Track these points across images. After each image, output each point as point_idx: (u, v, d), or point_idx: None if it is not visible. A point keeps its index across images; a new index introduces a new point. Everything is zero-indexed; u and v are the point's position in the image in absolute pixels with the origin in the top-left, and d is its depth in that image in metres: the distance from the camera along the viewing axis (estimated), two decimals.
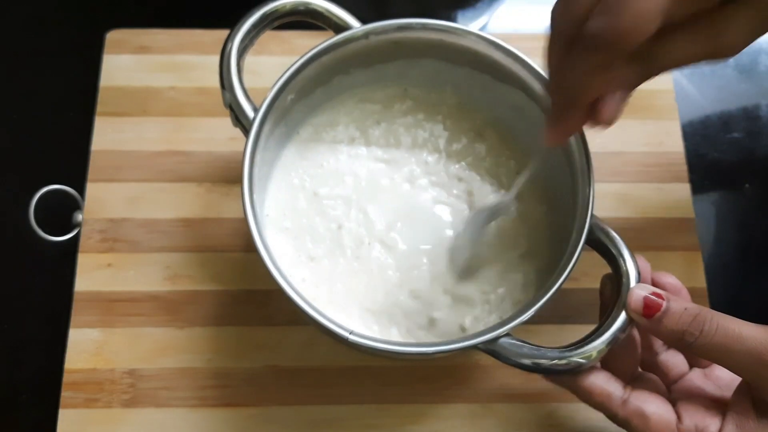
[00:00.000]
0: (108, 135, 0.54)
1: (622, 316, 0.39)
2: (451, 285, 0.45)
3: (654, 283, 0.41)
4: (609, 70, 0.33)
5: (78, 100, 0.55)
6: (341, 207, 0.47)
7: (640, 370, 0.42)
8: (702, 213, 0.54)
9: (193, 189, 0.53)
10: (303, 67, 0.44)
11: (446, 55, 0.47)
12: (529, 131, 0.47)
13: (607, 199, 0.53)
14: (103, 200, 0.52)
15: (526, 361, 0.39)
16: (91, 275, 0.50)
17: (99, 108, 0.54)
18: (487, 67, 0.46)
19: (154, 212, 0.52)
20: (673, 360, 0.41)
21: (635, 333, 0.41)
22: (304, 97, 0.47)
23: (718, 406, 0.38)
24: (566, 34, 0.33)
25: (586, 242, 0.40)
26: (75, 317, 0.49)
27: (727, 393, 0.39)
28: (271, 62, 0.51)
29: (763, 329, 0.35)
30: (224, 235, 0.52)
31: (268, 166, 0.46)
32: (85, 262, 0.50)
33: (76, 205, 0.52)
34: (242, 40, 0.44)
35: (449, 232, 0.46)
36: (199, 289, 0.50)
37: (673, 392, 0.41)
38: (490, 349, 0.39)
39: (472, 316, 0.44)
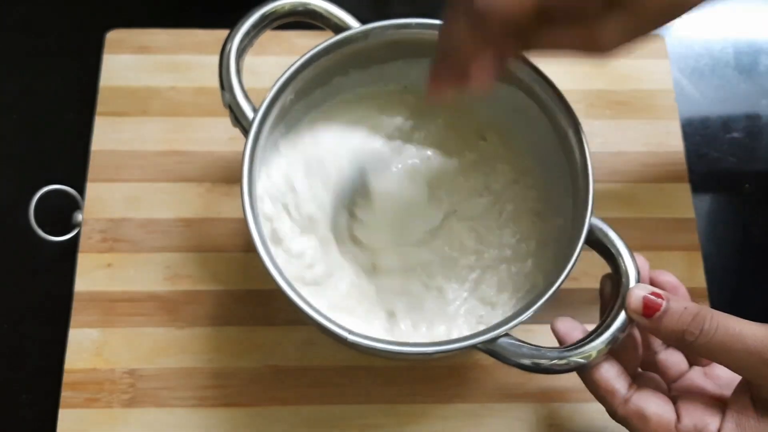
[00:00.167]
0: (108, 135, 0.54)
1: (622, 315, 0.39)
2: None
3: (652, 282, 0.41)
4: (486, 37, 0.37)
5: (78, 100, 0.55)
6: (340, 205, 0.47)
7: (639, 370, 0.42)
8: (702, 213, 0.54)
9: (193, 189, 0.53)
10: (302, 68, 0.44)
11: None
12: (529, 132, 0.47)
13: (607, 199, 0.53)
14: (103, 200, 0.52)
15: (526, 361, 0.39)
16: (91, 275, 0.50)
17: (99, 108, 0.55)
18: None
19: (154, 212, 0.52)
20: (672, 359, 0.42)
21: (636, 332, 0.41)
22: (304, 97, 0.47)
23: (717, 404, 0.38)
24: (459, 2, 0.37)
25: (586, 242, 0.40)
26: (75, 317, 0.49)
27: (727, 391, 0.39)
28: (271, 62, 0.51)
29: (763, 328, 0.35)
30: (224, 235, 0.52)
31: (267, 166, 0.46)
32: (85, 262, 0.50)
33: (76, 205, 0.52)
34: (241, 41, 0.45)
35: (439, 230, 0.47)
36: (199, 289, 0.50)
37: (673, 391, 0.41)
38: (490, 349, 0.39)
39: (477, 315, 0.45)
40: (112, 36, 0.57)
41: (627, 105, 0.56)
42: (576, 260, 0.40)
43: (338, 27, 0.45)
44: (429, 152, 0.48)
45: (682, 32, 0.60)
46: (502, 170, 0.48)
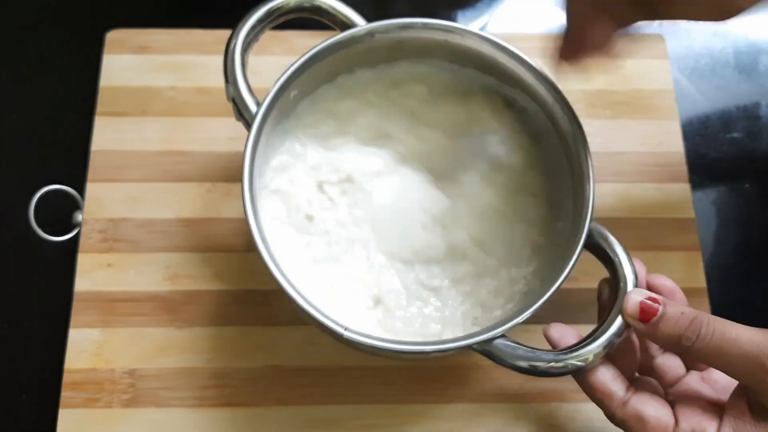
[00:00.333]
0: (108, 135, 0.54)
1: (619, 320, 0.39)
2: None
3: (649, 286, 0.41)
4: (608, 5, 0.37)
5: (78, 100, 0.55)
6: (343, 203, 0.47)
7: (636, 375, 0.42)
8: (702, 213, 0.54)
9: (193, 189, 0.53)
10: (308, 64, 0.44)
11: (450, 56, 0.47)
12: (532, 134, 0.47)
13: (607, 199, 0.53)
14: (103, 200, 0.52)
15: (522, 364, 0.39)
16: (91, 275, 0.50)
17: (99, 108, 0.54)
18: (491, 68, 0.46)
19: (154, 212, 0.52)
20: (669, 363, 0.41)
21: (633, 337, 0.41)
22: (308, 93, 0.47)
23: (715, 408, 0.38)
24: None
25: (584, 246, 0.40)
26: (75, 317, 0.49)
27: (724, 396, 0.39)
28: (272, 62, 0.51)
29: (760, 333, 0.35)
30: (224, 235, 0.52)
31: (268, 163, 0.46)
32: (85, 262, 0.50)
33: (76, 205, 0.52)
34: (247, 35, 0.45)
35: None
36: (199, 289, 0.50)
37: (670, 395, 0.41)
38: (486, 350, 0.39)
39: (472, 317, 0.45)
40: (112, 36, 0.57)
41: (627, 105, 0.56)
42: (574, 264, 0.40)
43: (344, 24, 0.45)
44: (428, 151, 0.48)
45: (682, 32, 0.60)
46: (503, 171, 0.48)
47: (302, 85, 0.45)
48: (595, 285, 0.42)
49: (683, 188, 0.54)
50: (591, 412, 0.47)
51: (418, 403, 0.48)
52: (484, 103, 0.48)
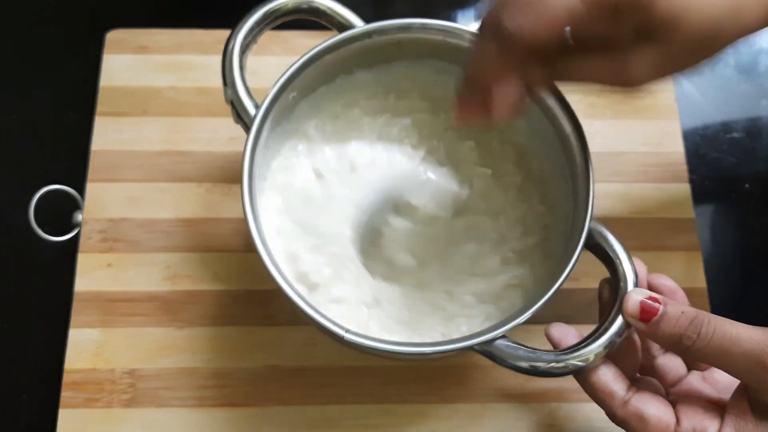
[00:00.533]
0: (108, 135, 0.54)
1: (619, 320, 0.39)
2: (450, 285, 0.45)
3: (650, 286, 0.41)
4: (512, 61, 0.36)
5: (78, 100, 0.55)
6: (343, 205, 0.47)
7: (637, 375, 0.42)
8: (702, 213, 0.54)
9: (193, 189, 0.53)
10: (306, 65, 0.44)
11: (449, 57, 0.47)
12: (531, 134, 0.47)
13: (607, 199, 0.53)
14: (103, 200, 0.52)
15: (523, 364, 0.39)
16: (91, 275, 0.50)
17: (99, 108, 0.55)
18: None
19: (154, 212, 0.52)
20: (671, 363, 0.41)
21: (634, 337, 0.41)
22: (307, 95, 0.47)
23: (716, 408, 0.38)
24: (489, 25, 0.37)
25: (584, 246, 0.40)
26: (75, 317, 0.49)
27: (726, 396, 0.39)
28: (272, 62, 0.51)
29: (761, 331, 0.35)
30: (224, 235, 0.52)
31: (267, 165, 0.46)
32: (85, 262, 0.50)
33: (76, 205, 0.52)
34: (245, 37, 0.45)
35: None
36: (199, 289, 0.50)
37: (671, 395, 0.41)
38: (486, 350, 0.39)
39: (465, 317, 0.45)
40: (112, 36, 0.57)
41: (627, 105, 0.56)
42: (574, 264, 0.40)
43: (342, 26, 0.45)
44: (428, 151, 0.48)
45: None
46: (505, 172, 0.48)
47: (301, 86, 0.45)
48: (595, 285, 0.42)
49: (683, 188, 0.54)
50: (591, 412, 0.47)
51: (418, 403, 0.48)
52: None
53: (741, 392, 0.37)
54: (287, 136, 0.47)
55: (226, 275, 0.50)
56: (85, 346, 0.48)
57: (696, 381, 0.41)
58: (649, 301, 0.37)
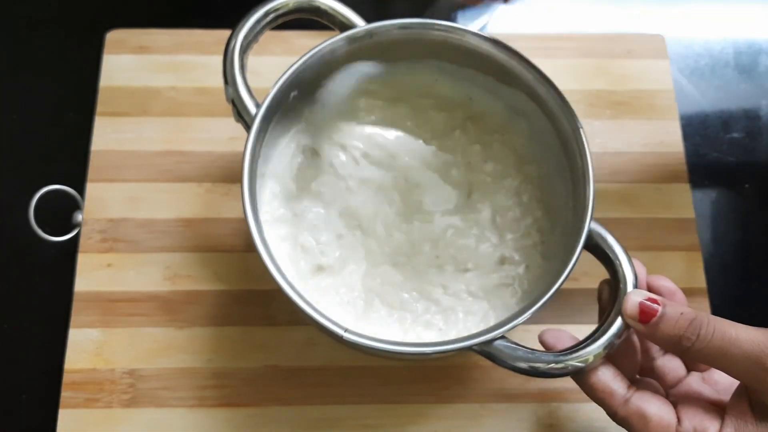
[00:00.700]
0: (108, 135, 0.54)
1: (619, 321, 0.39)
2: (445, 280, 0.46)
3: (649, 287, 0.41)
4: None
5: (78, 100, 0.55)
6: (342, 204, 0.47)
7: (637, 376, 0.42)
8: (702, 213, 0.54)
9: (193, 189, 0.53)
10: (306, 64, 0.44)
11: (450, 56, 0.47)
12: (531, 134, 0.47)
13: (607, 199, 0.53)
14: (103, 200, 0.52)
15: (522, 365, 0.39)
16: (91, 275, 0.50)
17: (99, 108, 0.55)
18: (490, 68, 0.46)
19: (154, 212, 0.52)
20: (670, 365, 0.41)
21: (634, 338, 0.41)
22: (308, 94, 0.47)
23: (716, 409, 0.38)
24: None
25: (584, 246, 0.40)
26: (75, 317, 0.49)
27: (725, 396, 0.39)
28: (272, 62, 0.51)
29: (760, 332, 0.35)
30: (224, 235, 0.52)
31: (267, 164, 0.46)
32: (85, 262, 0.50)
33: (76, 205, 0.52)
34: (246, 36, 0.45)
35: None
36: (199, 289, 0.50)
37: (671, 396, 0.41)
38: (486, 351, 0.39)
39: (473, 318, 0.45)
40: (112, 36, 0.57)
41: (627, 105, 0.56)
42: (574, 265, 0.40)
43: (344, 25, 0.45)
44: (427, 150, 0.48)
45: (682, 32, 0.60)
46: (505, 172, 0.48)
47: (302, 85, 0.45)
48: (595, 285, 0.42)
49: (683, 188, 0.54)
50: (591, 412, 0.47)
51: (418, 403, 0.48)
52: (484, 103, 0.48)
53: (741, 393, 0.37)
54: (288, 136, 0.47)
55: (226, 275, 0.50)
56: (85, 346, 0.48)
57: (695, 382, 0.41)
58: (648, 303, 0.37)
